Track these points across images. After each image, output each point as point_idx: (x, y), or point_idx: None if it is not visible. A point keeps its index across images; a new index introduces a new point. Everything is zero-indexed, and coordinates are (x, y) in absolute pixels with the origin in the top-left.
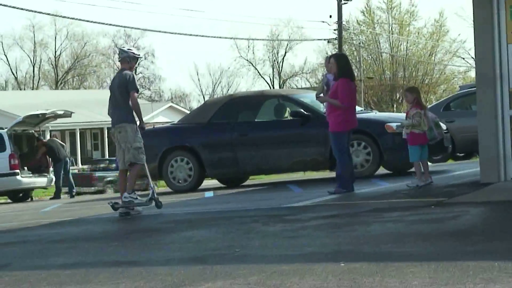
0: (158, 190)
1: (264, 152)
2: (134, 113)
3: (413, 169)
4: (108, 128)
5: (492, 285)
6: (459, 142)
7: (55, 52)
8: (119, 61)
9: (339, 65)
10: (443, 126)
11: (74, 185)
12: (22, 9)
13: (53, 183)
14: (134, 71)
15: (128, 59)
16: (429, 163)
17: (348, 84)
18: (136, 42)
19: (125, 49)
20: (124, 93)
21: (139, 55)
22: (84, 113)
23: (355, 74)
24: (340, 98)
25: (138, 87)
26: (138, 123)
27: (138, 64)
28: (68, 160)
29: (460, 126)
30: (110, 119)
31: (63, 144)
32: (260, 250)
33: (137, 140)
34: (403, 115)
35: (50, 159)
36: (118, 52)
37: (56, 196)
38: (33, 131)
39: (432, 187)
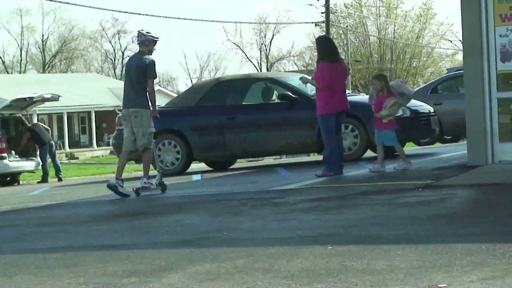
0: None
1: (252, 135)
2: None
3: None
4: (96, 112)
5: (480, 268)
6: (446, 125)
7: (43, 36)
8: (137, 43)
9: (317, 48)
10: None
11: (61, 168)
12: None
13: (40, 167)
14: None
15: (147, 42)
16: (416, 146)
17: (325, 66)
18: (123, 26)
19: (144, 32)
20: (141, 77)
21: (158, 38)
22: (71, 97)
23: (343, 57)
24: (316, 80)
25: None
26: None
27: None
28: (53, 144)
29: (447, 109)
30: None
31: (48, 128)
32: (248, 233)
33: (151, 125)
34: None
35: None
36: (137, 35)
37: (44, 179)
38: (20, 115)
39: (420, 170)
